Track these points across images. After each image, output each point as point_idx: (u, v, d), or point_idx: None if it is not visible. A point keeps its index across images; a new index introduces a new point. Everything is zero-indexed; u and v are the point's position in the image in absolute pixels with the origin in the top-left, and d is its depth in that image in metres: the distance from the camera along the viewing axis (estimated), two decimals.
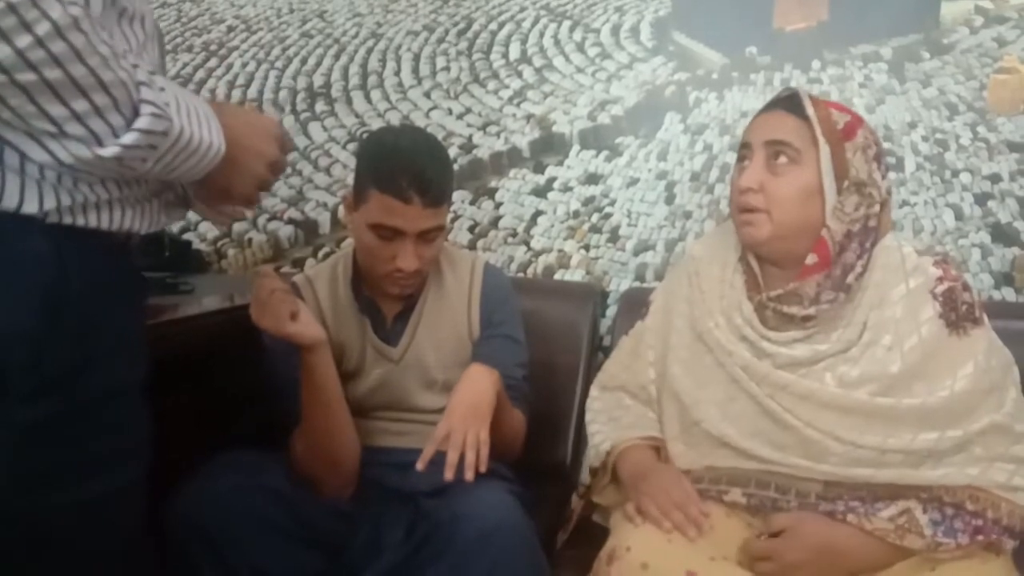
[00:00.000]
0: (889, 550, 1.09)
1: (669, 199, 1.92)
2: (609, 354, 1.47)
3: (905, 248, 1.19)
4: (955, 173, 1.78)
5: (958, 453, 1.12)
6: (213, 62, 2.21)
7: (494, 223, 2.01)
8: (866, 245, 1.17)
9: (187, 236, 2.11)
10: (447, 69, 2.08)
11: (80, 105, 0.73)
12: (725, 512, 1.19)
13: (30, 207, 0.79)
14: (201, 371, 1.42)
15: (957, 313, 1.15)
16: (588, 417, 1.38)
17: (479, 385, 1.28)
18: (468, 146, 2.03)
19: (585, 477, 1.34)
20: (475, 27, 2.07)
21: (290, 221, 2.11)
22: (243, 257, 2.13)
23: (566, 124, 1.99)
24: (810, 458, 1.15)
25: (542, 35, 2.03)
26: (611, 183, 1.95)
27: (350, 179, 2.11)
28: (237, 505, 1.20)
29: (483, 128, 2.03)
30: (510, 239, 2.00)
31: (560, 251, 1.97)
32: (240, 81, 2.19)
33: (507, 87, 2.03)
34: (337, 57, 2.15)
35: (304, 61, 2.17)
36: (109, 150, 0.76)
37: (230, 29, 2.22)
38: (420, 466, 1.20)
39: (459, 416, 1.23)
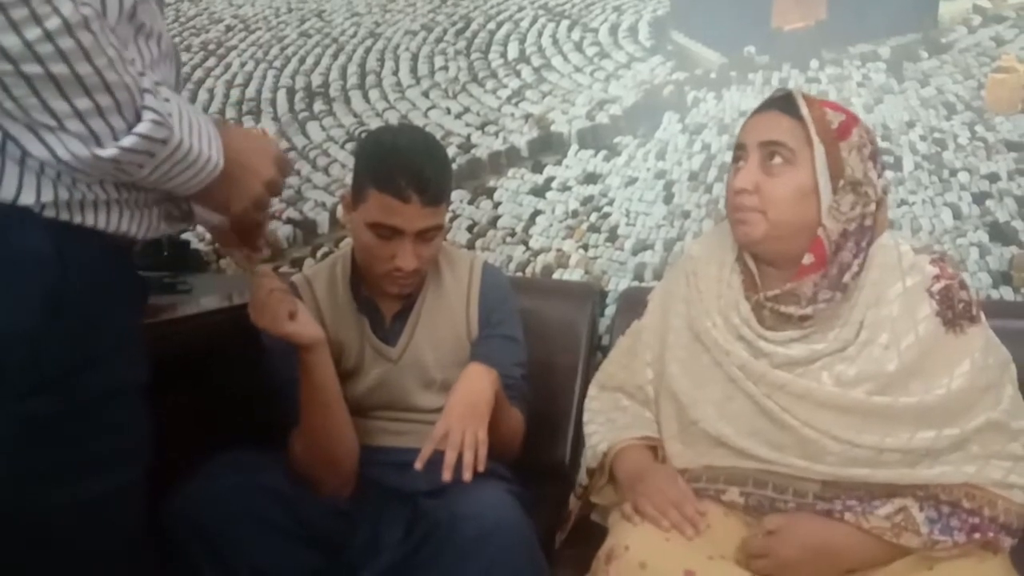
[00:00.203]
0: (885, 548, 1.09)
1: (667, 198, 1.92)
2: (608, 353, 1.47)
3: (902, 246, 1.19)
4: (953, 172, 1.78)
5: (955, 451, 1.13)
6: (211, 61, 2.21)
7: (493, 223, 2.01)
8: (862, 244, 1.17)
9: (185, 236, 2.11)
10: (445, 69, 2.08)
11: (83, 103, 0.74)
12: (723, 511, 1.19)
13: (27, 198, 0.79)
14: (199, 371, 1.42)
15: (954, 311, 1.15)
16: (586, 417, 1.39)
17: (477, 384, 1.28)
18: (466, 146, 2.03)
19: (583, 478, 1.35)
20: (473, 26, 2.07)
21: (288, 221, 2.10)
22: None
23: (564, 124, 1.99)
24: (807, 458, 1.15)
25: (540, 35, 2.03)
26: (609, 182, 1.95)
27: (348, 179, 2.10)
28: (236, 505, 1.21)
29: (481, 128, 2.03)
30: (509, 239, 2.00)
31: (559, 250, 1.97)
32: (238, 80, 2.19)
33: (505, 87, 2.03)
34: (335, 56, 2.15)
35: (302, 60, 2.17)
36: (107, 151, 0.77)
37: (228, 28, 2.22)
38: (418, 465, 1.20)
39: (457, 416, 1.23)
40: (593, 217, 1.96)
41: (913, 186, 1.79)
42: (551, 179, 1.99)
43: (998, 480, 1.11)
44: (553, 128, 1.99)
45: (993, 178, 1.76)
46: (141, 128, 0.78)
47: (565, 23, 2.02)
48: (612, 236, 1.94)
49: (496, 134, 2.02)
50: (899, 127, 1.80)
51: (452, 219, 1.99)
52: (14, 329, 0.79)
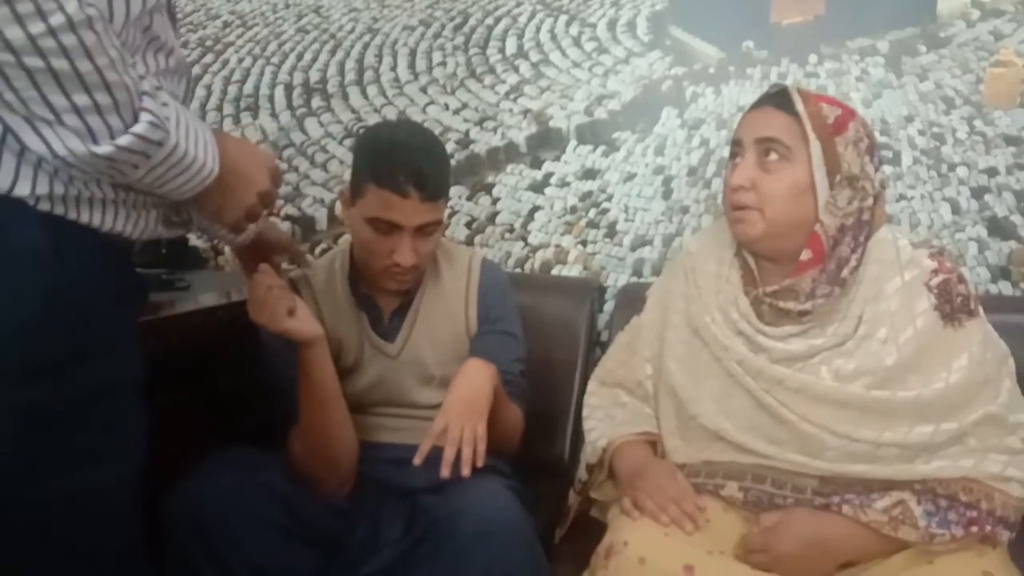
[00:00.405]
0: (883, 540, 1.09)
1: (666, 194, 1.92)
2: (607, 349, 1.48)
3: (900, 241, 1.19)
4: (952, 167, 1.78)
5: (953, 446, 1.13)
6: (209, 58, 2.21)
7: (491, 219, 2.01)
8: (860, 239, 1.17)
9: None
10: (443, 64, 2.07)
11: (81, 99, 0.75)
12: (722, 506, 1.19)
13: (22, 189, 0.80)
14: (198, 368, 1.42)
15: (952, 305, 1.15)
16: (585, 413, 1.39)
17: (476, 380, 1.28)
18: (465, 141, 2.02)
19: (582, 473, 1.35)
20: (471, 22, 2.07)
21: (287, 217, 2.10)
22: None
23: (563, 119, 1.98)
24: (806, 453, 1.15)
25: (538, 30, 2.03)
26: (608, 178, 1.95)
27: (347, 175, 2.10)
28: (235, 503, 1.21)
29: (480, 123, 2.03)
30: (507, 235, 2.00)
31: (557, 246, 1.97)
32: (236, 77, 2.18)
33: (504, 82, 2.03)
34: (333, 52, 2.15)
35: (300, 56, 2.17)
36: (103, 148, 0.78)
37: (226, 25, 2.22)
38: (417, 461, 1.20)
39: (456, 411, 1.23)
40: (592, 213, 1.95)
41: (912, 181, 1.79)
42: (549, 175, 1.99)
43: (995, 474, 1.11)
44: (551, 124, 1.99)
45: (992, 172, 1.76)
46: (138, 128, 0.79)
47: (563, 18, 2.02)
48: (611, 232, 1.94)
49: (494, 130, 2.02)
50: (897, 122, 1.80)
51: (450, 215, 1.99)
52: (9, 321, 0.80)
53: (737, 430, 1.19)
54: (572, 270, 1.95)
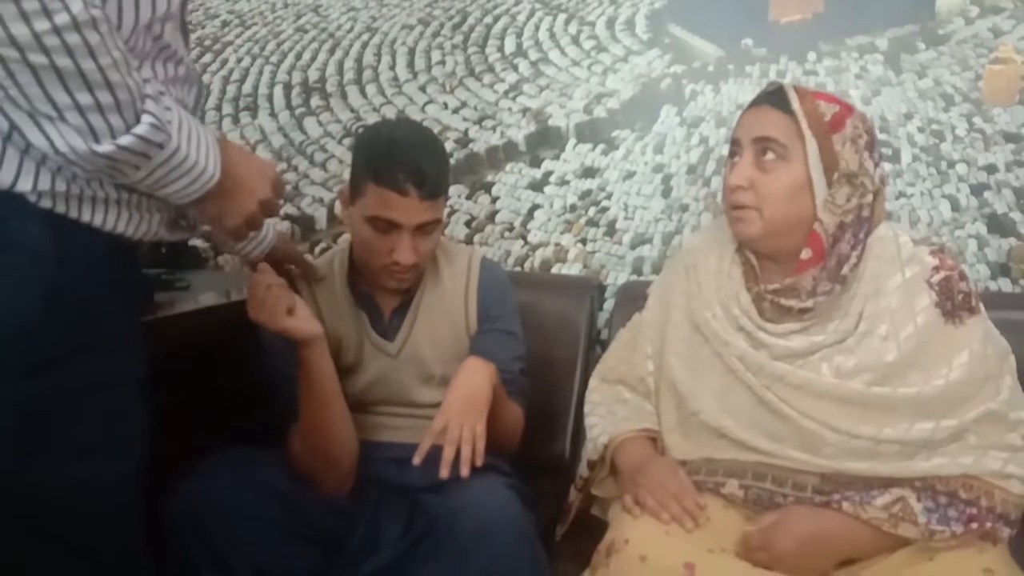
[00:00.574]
0: (882, 536, 1.09)
1: (666, 192, 1.92)
2: (606, 348, 1.48)
3: (901, 238, 1.19)
4: (951, 164, 1.78)
5: (953, 443, 1.13)
6: (208, 57, 2.21)
7: (491, 217, 2.01)
8: (860, 235, 1.17)
9: None
10: (442, 63, 2.07)
11: (83, 98, 0.76)
12: (723, 504, 1.19)
13: (24, 184, 0.81)
14: (197, 368, 1.42)
15: (953, 302, 1.15)
16: (586, 409, 1.39)
17: (475, 378, 1.28)
18: (464, 140, 2.02)
19: (583, 470, 1.35)
20: (470, 20, 2.07)
21: (286, 217, 2.10)
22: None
23: (562, 118, 1.98)
24: (806, 450, 1.15)
25: (537, 28, 2.03)
26: (607, 176, 1.95)
27: (346, 174, 2.10)
28: (235, 503, 1.20)
29: (479, 122, 2.03)
30: (507, 233, 2.00)
31: (557, 245, 1.97)
32: (235, 76, 2.18)
33: (503, 81, 2.03)
34: (332, 52, 2.15)
35: (299, 56, 2.17)
36: (103, 147, 0.79)
37: (224, 24, 2.22)
38: (416, 460, 1.20)
39: (455, 410, 1.22)
40: (591, 211, 1.95)
41: (911, 178, 1.79)
42: (549, 173, 1.99)
43: (995, 471, 1.11)
44: (551, 122, 1.99)
45: (991, 169, 1.76)
46: (139, 129, 0.80)
47: (562, 17, 2.02)
48: (610, 230, 1.94)
49: (493, 128, 2.02)
50: (897, 119, 1.80)
51: (450, 214, 1.99)
52: (8, 315, 0.82)
53: (738, 426, 1.19)
54: (572, 268, 1.95)
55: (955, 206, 1.77)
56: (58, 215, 0.84)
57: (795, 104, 1.16)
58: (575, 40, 2.00)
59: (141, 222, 0.92)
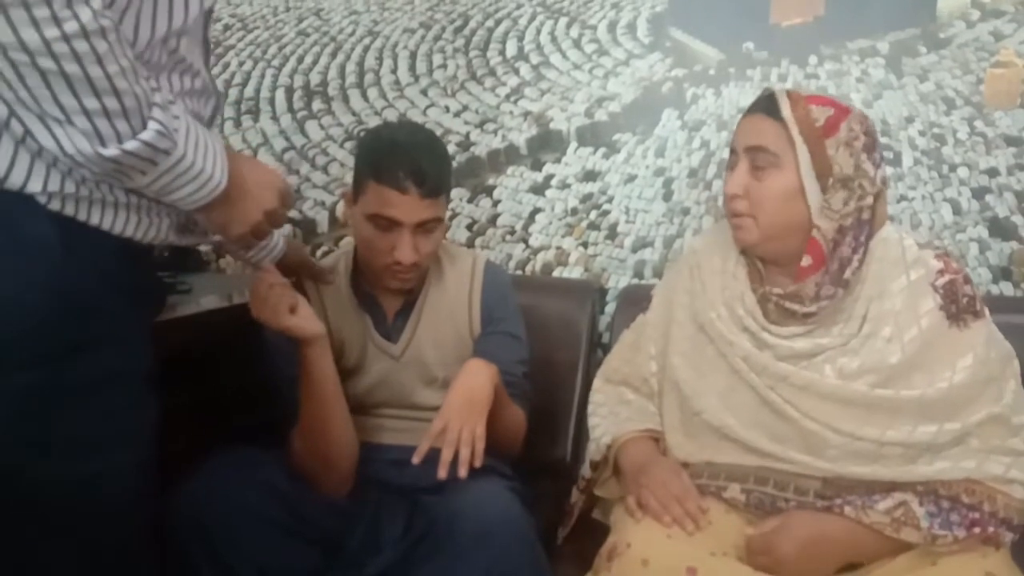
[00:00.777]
0: (884, 541, 1.09)
1: (667, 195, 1.92)
2: (608, 351, 1.48)
3: (906, 240, 1.19)
4: (952, 168, 1.78)
5: (955, 446, 1.13)
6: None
7: (492, 221, 2.01)
8: (860, 238, 1.17)
9: None
10: (444, 67, 2.08)
11: (91, 103, 0.79)
12: (724, 508, 1.19)
13: (34, 186, 0.84)
14: (199, 370, 1.42)
15: (958, 305, 1.15)
16: (590, 409, 1.39)
17: (476, 380, 1.28)
18: (465, 144, 2.02)
19: (585, 471, 1.35)
20: (472, 24, 2.07)
21: (287, 220, 2.10)
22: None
23: (563, 121, 1.99)
24: (809, 452, 1.15)
25: (539, 32, 2.03)
26: (609, 180, 1.95)
27: (348, 177, 2.10)
28: (236, 503, 1.21)
29: (480, 126, 2.03)
30: (508, 237, 2.00)
31: (558, 248, 1.97)
32: (237, 80, 2.18)
33: (504, 84, 2.03)
34: (334, 55, 2.15)
35: (301, 59, 2.17)
36: (109, 151, 0.81)
37: (226, 28, 2.22)
38: (416, 460, 1.20)
39: (455, 411, 1.22)
40: (593, 215, 1.96)
41: (912, 182, 1.79)
42: (550, 177, 1.99)
43: (998, 475, 1.11)
44: (552, 126, 1.99)
45: (992, 173, 1.76)
46: (145, 135, 0.82)
47: (563, 20, 2.02)
48: (612, 233, 1.94)
49: (495, 132, 2.02)
50: (898, 122, 1.80)
51: (451, 217, 1.99)
52: (16, 309, 0.84)
53: (741, 426, 1.19)
54: (573, 272, 1.95)
55: (956, 210, 1.77)
56: (67, 217, 0.86)
57: (785, 111, 1.16)
58: (576, 44, 2.01)
59: (150, 227, 0.94)
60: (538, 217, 1.99)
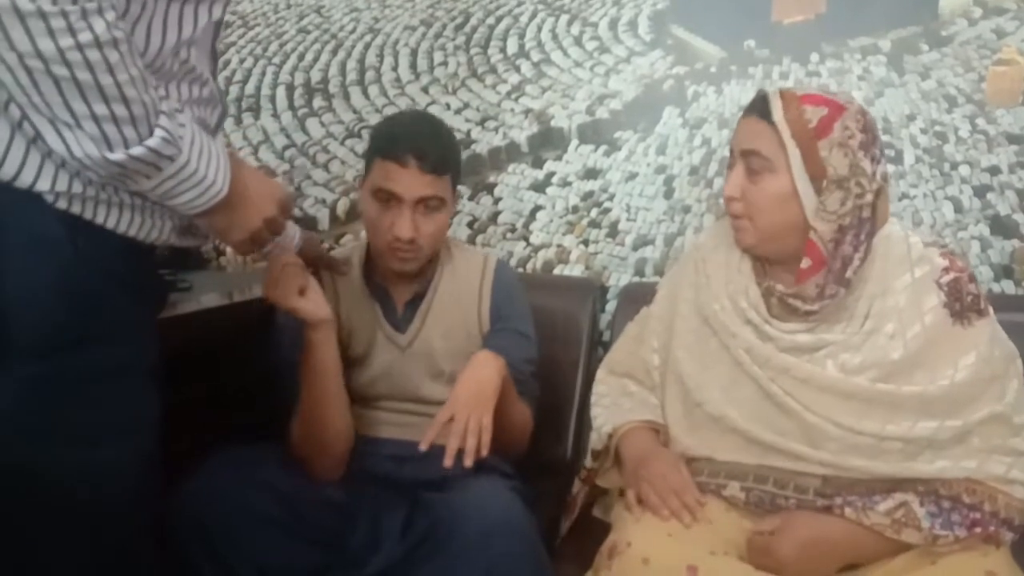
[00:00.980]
0: (885, 541, 1.09)
1: (668, 193, 1.92)
2: (609, 349, 1.49)
3: (912, 238, 1.19)
4: (954, 165, 1.78)
5: (957, 445, 1.13)
6: None
7: (493, 218, 2.01)
8: (861, 236, 1.16)
9: None
10: (445, 64, 2.07)
11: (100, 109, 0.82)
12: (724, 507, 1.19)
13: (43, 184, 0.87)
14: (199, 368, 1.42)
15: (962, 303, 1.15)
16: (592, 400, 1.40)
17: (484, 371, 1.28)
18: (466, 141, 2.02)
19: (588, 461, 1.36)
20: (472, 22, 2.07)
21: (289, 217, 2.10)
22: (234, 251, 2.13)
23: (564, 119, 1.98)
24: (809, 444, 1.15)
25: (540, 29, 2.03)
26: (610, 178, 1.95)
27: (348, 175, 2.11)
28: (236, 502, 1.21)
29: (481, 123, 2.03)
30: (509, 234, 2.00)
31: (559, 246, 1.97)
32: (237, 77, 2.18)
33: (505, 82, 2.03)
34: (334, 52, 2.15)
35: (301, 57, 2.17)
36: (116, 155, 0.84)
37: (227, 25, 2.21)
38: (423, 447, 1.21)
39: (462, 402, 1.23)
40: (593, 212, 1.95)
41: (914, 179, 1.79)
42: (551, 174, 1.99)
43: (999, 475, 1.11)
44: (553, 123, 1.99)
45: (994, 171, 1.76)
46: (151, 142, 0.85)
47: (564, 18, 2.02)
48: (613, 231, 1.94)
49: (496, 129, 2.02)
50: (900, 120, 1.80)
51: (452, 215, 1.99)
52: (24, 301, 0.87)
53: (742, 418, 1.19)
54: (574, 270, 1.95)
55: (958, 208, 1.77)
56: (73, 215, 0.89)
57: (776, 114, 1.15)
58: (577, 41, 2.00)
59: (152, 228, 0.96)
60: (539, 215, 1.98)
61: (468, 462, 1.19)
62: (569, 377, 1.70)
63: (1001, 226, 1.75)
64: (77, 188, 0.88)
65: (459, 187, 1.97)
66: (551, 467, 1.58)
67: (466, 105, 2.05)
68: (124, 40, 0.82)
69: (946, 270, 1.16)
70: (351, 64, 2.14)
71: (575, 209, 1.97)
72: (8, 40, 0.77)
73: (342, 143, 2.11)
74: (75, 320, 0.90)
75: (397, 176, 1.31)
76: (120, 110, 0.83)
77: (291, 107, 2.16)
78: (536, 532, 1.21)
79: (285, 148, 2.14)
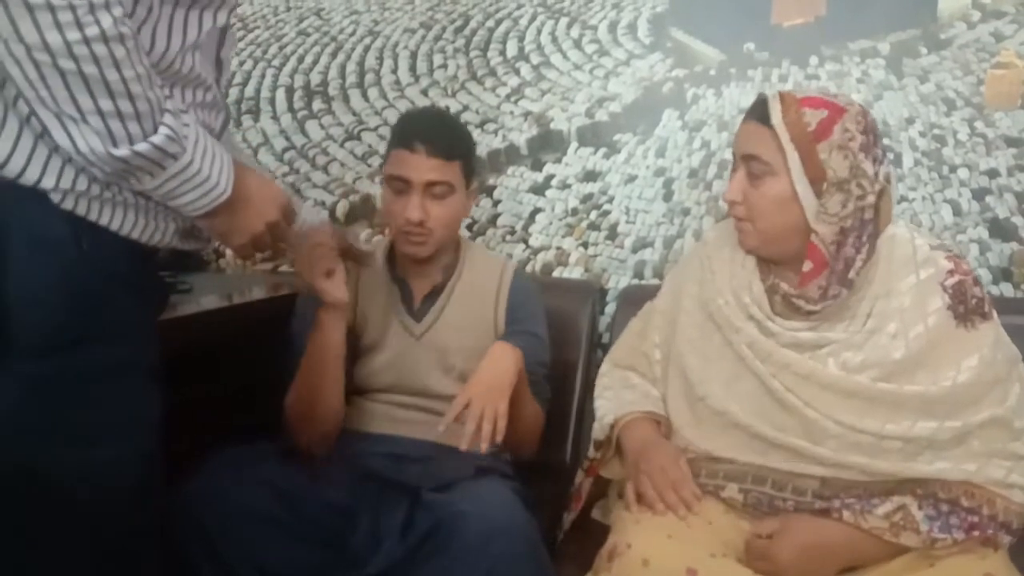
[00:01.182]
0: (883, 545, 1.09)
1: (667, 196, 1.92)
2: (608, 351, 1.49)
3: (918, 240, 1.20)
4: (953, 168, 1.78)
5: (956, 447, 1.13)
6: None
7: (492, 221, 2.01)
8: (863, 237, 1.16)
9: None
10: (444, 67, 2.08)
11: (106, 104, 0.83)
12: (723, 509, 1.19)
13: (48, 180, 0.87)
14: (198, 370, 1.42)
15: (966, 306, 1.15)
16: (596, 392, 1.41)
17: (502, 361, 1.32)
18: None
19: (590, 452, 1.36)
20: (472, 24, 2.07)
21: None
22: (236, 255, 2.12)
23: (564, 121, 1.99)
24: (809, 440, 1.15)
25: (539, 32, 2.03)
26: (609, 180, 1.95)
27: (348, 177, 2.11)
28: (235, 502, 1.21)
29: (481, 126, 2.03)
30: (508, 237, 2.00)
31: (559, 249, 1.97)
32: (237, 79, 2.18)
33: (505, 84, 2.03)
34: (334, 55, 2.15)
35: (301, 59, 2.17)
36: (120, 151, 0.85)
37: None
38: (441, 428, 1.25)
39: (480, 388, 1.26)
40: (593, 215, 1.96)
41: (913, 182, 1.79)
42: (551, 177, 1.99)
43: (998, 479, 1.11)
44: (552, 126, 1.99)
45: (993, 174, 1.76)
46: (155, 139, 0.86)
47: (564, 20, 2.02)
48: (612, 234, 1.94)
49: (495, 132, 2.02)
50: (899, 123, 1.80)
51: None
52: (27, 299, 0.88)
53: (743, 413, 1.19)
54: (573, 272, 1.96)
55: (957, 210, 1.77)
56: (78, 216, 0.90)
57: (775, 118, 1.16)
58: (577, 44, 2.00)
59: (156, 230, 0.97)
60: (538, 217, 1.99)
61: (484, 447, 1.22)
62: (568, 379, 1.70)
63: (1000, 229, 1.75)
64: (82, 185, 0.89)
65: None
66: (551, 469, 1.58)
67: (465, 108, 2.05)
68: (130, 37, 0.83)
69: (951, 273, 1.16)
70: (350, 67, 2.14)
71: (574, 211, 1.97)
72: (17, 32, 0.78)
73: (341, 145, 2.11)
74: (76, 320, 0.91)
75: (406, 162, 1.39)
76: (125, 106, 0.83)
77: (291, 109, 2.16)
78: (537, 533, 1.22)
79: (284, 150, 2.14)
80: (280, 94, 2.17)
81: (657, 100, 1.93)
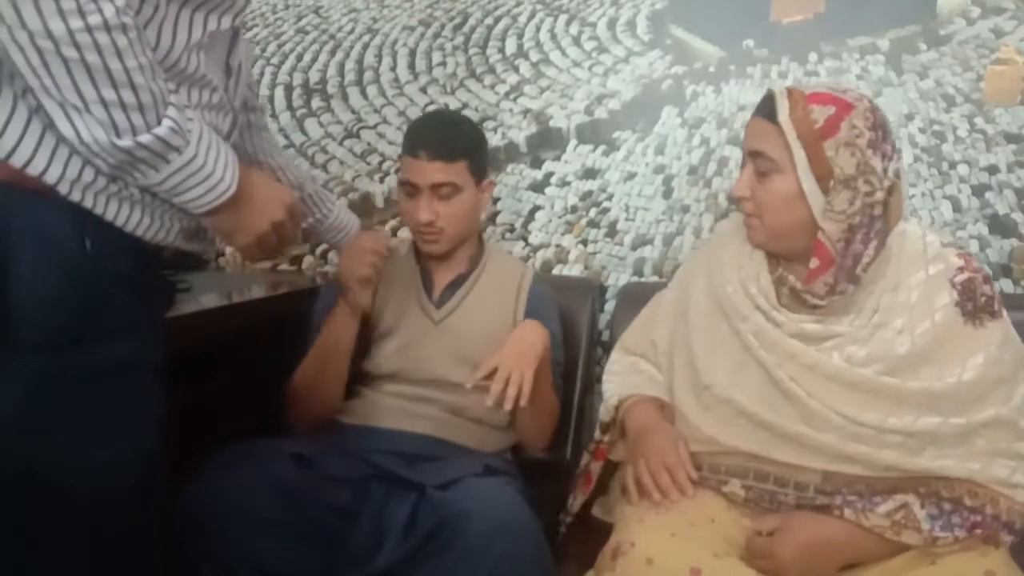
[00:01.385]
0: (884, 543, 1.09)
1: (667, 193, 1.92)
2: (608, 349, 1.50)
3: (929, 236, 1.19)
4: (952, 165, 1.78)
5: (960, 445, 1.12)
6: None
7: (492, 218, 2.01)
8: (871, 234, 1.16)
9: None
10: (443, 64, 2.07)
11: (109, 94, 0.83)
12: (724, 505, 1.19)
13: (55, 171, 0.88)
14: (198, 369, 1.42)
15: (975, 304, 1.15)
16: (604, 377, 1.43)
17: (530, 335, 1.37)
18: None
19: (596, 434, 1.37)
20: (471, 22, 2.07)
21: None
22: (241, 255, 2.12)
23: (563, 119, 1.98)
24: (811, 429, 1.15)
25: (538, 29, 2.03)
26: (608, 177, 1.95)
27: (347, 175, 2.11)
28: (236, 502, 1.21)
29: (480, 123, 2.02)
30: (508, 234, 2.00)
31: (558, 246, 1.97)
32: None
33: (503, 82, 2.03)
34: (333, 53, 2.15)
35: (300, 57, 2.17)
36: (124, 141, 0.85)
37: None
38: (468, 385, 1.31)
39: (510, 354, 1.32)
40: (592, 212, 1.95)
41: (912, 179, 1.79)
42: (550, 174, 1.99)
43: (1002, 479, 1.11)
44: (552, 123, 1.99)
45: (992, 170, 1.76)
46: (159, 131, 0.86)
47: (563, 18, 2.02)
48: (611, 231, 1.94)
49: (494, 129, 2.02)
50: (898, 120, 1.80)
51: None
52: (29, 294, 0.88)
53: (748, 400, 1.19)
54: (573, 269, 1.95)
55: (956, 207, 1.77)
56: (83, 210, 0.90)
57: (782, 115, 1.15)
58: (576, 41, 2.00)
59: (160, 229, 0.97)
60: (538, 215, 1.98)
61: (508, 406, 1.27)
62: (568, 377, 1.68)
63: (999, 225, 1.75)
64: (88, 176, 0.89)
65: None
66: (550, 470, 1.58)
67: (464, 105, 2.04)
68: (133, 27, 0.83)
69: (961, 269, 1.16)
70: (349, 64, 2.13)
71: (574, 209, 1.97)
72: (20, 19, 0.78)
73: (340, 143, 2.11)
74: (77, 320, 0.91)
75: (414, 166, 1.46)
76: (128, 96, 0.84)
77: (289, 107, 2.15)
78: (540, 532, 1.22)
79: (283, 149, 2.14)
80: (279, 92, 2.16)
81: (656, 97, 1.93)
